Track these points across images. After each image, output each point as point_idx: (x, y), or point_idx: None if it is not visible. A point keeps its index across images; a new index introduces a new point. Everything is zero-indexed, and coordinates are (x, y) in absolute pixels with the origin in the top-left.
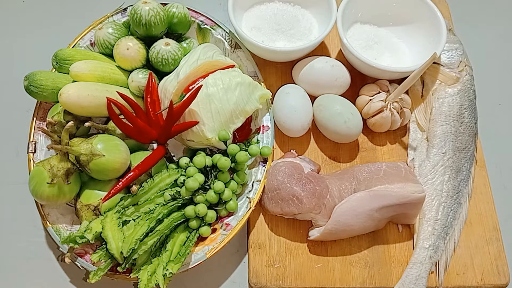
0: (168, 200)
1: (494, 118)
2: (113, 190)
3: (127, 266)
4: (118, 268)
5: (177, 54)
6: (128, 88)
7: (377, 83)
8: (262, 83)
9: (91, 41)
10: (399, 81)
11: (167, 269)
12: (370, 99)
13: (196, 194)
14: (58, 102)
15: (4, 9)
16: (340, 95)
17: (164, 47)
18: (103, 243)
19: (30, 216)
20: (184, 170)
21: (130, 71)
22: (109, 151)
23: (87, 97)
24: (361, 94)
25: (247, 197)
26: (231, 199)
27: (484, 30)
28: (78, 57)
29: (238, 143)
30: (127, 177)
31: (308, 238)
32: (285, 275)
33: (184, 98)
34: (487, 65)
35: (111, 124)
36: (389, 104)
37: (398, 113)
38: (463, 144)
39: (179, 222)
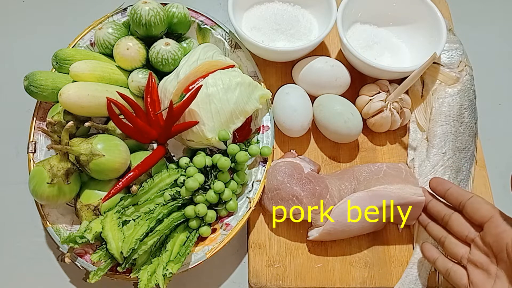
0: (168, 200)
1: (494, 118)
2: (113, 190)
3: (127, 266)
4: (118, 268)
5: (177, 54)
6: (128, 88)
7: (377, 83)
8: (262, 83)
9: (91, 41)
10: (399, 81)
11: (167, 269)
12: (370, 99)
13: (196, 194)
14: (58, 102)
15: (4, 9)
16: (340, 95)
17: (164, 47)
18: (103, 243)
19: (30, 216)
20: (184, 170)
21: (130, 71)
22: (109, 151)
23: (87, 97)
24: (361, 94)
25: (247, 197)
26: (231, 199)
27: (484, 30)
28: (78, 57)
29: (238, 143)
30: (127, 177)
31: (308, 238)
32: (285, 275)
33: (184, 98)
34: (487, 65)
35: (111, 124)
36: (389, 104)
37: (398, 113)
38: (463, 144)
39: (179, 222)
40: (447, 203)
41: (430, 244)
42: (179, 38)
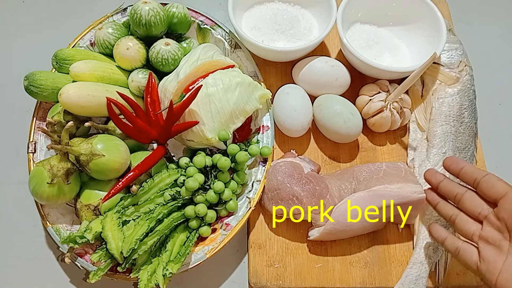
0: (168, 200)
1: (494, 118)
2: (113, 190)
3: (127, 266)
4: (118, 268)
5: (177, 54)
6: (128, 88)
7: (377, 83)
8: (262, 83)
9: (91, 41)
10: (399, 81)
11: (167, 269)
12: (370, 99)
13: (196, 194)
14: (58, 102)
15: (4, 9)
16: (340, 95)
17: (164, 47)
18: (103, 243)
19: (30, 216)
20: (184, 170)
21: (130, 71)
22: (109, 151)
23: (87, 97)
24: (361, 94)
25: (247, 197)
26: (231, 199)
27: (484, 30)
28: (78, 57)
29: (238, 143)
30: (127, 177)
31: (308, 238)
32: (285, 275)
33: (184, 98)
34: (487, 65)
35: (111, 124)
36: (389, 104)
37: (398, 113)
38: (463, 144)
39: (179, 222)
40: (455, 182)
41: (438, 225)
42: (179, 38)
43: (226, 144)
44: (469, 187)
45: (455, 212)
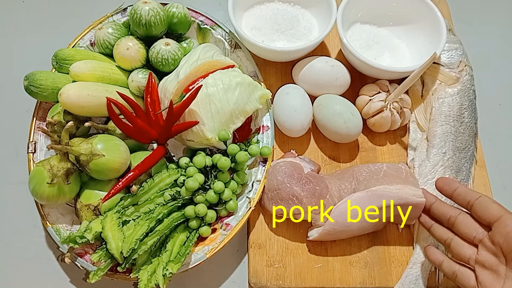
0: (168, 200)
1: (494, 118)
2: (113, 190)
3: (127, 266)
4: (118, 268)
5: (177, 54)
6: (128, 88)
7: (377, 83)
8: (262, 83)
9: (91, 41)
10: (399, 81)
11: (167, 269)
12: (370, 99)
13: (196, 194)
14: (58, 102)
15: (4, 9)
16: (340, 95)
17: (164, 47)
18: (103, 243)
19: (30, 216)
20: (184, 170)
21: (130, 71)
22: (109, 151)
23: (87, 97)
24: (361, 94)
25: (247, 197)
26: (231, 199)
27: (484, 30)
28: (78, 57)
29: (238, 143)
30: (127, 177)
31: (308, 239)
32: (285, 275)
33: (184, 98)
34: (487, 65)
35: (111, 124)
36: (389, 104)
37: (398, 113)
38: (463, 144)
39: (179, 222)
40: (448, 204)
41: (434, 247)
42: (179, 38)
43: (226, 144)
44: (462, 208)
45: (449, 235)
